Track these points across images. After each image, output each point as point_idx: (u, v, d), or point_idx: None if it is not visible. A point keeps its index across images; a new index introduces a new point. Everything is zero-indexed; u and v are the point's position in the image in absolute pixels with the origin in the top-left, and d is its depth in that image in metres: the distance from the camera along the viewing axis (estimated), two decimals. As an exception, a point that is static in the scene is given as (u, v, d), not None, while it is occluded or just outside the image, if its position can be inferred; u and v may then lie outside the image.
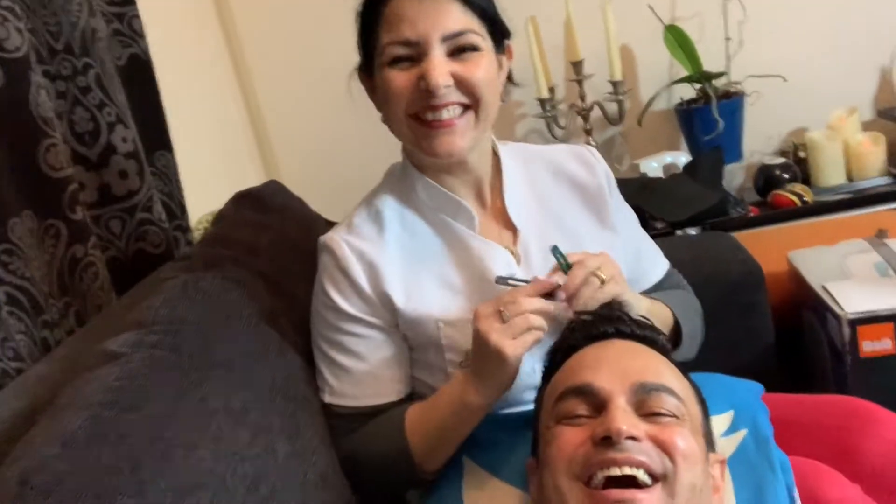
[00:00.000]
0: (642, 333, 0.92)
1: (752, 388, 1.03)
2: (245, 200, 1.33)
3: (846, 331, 1.30)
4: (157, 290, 1.01)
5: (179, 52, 1.84)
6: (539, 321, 0.90)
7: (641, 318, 0.96)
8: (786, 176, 1.97)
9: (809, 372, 1.54)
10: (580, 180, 1.13)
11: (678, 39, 2.05)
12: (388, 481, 1.03)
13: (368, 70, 1.03)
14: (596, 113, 2.13)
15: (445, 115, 0.97)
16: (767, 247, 1.76)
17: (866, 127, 2.09)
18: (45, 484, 0.69)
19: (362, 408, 1.04)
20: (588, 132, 2.11)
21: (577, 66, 2.06)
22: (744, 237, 1.80)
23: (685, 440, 0.79)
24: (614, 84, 2.02)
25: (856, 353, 1.30)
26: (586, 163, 1.14)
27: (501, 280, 0.97)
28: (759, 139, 2.15)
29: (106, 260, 1.28)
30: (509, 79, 1.08)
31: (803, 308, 1.54)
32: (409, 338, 1.06)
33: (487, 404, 0.95)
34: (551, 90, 2.07)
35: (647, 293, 1.14)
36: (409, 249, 1.05)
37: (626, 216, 1.18)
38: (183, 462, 0.78)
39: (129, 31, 1.41)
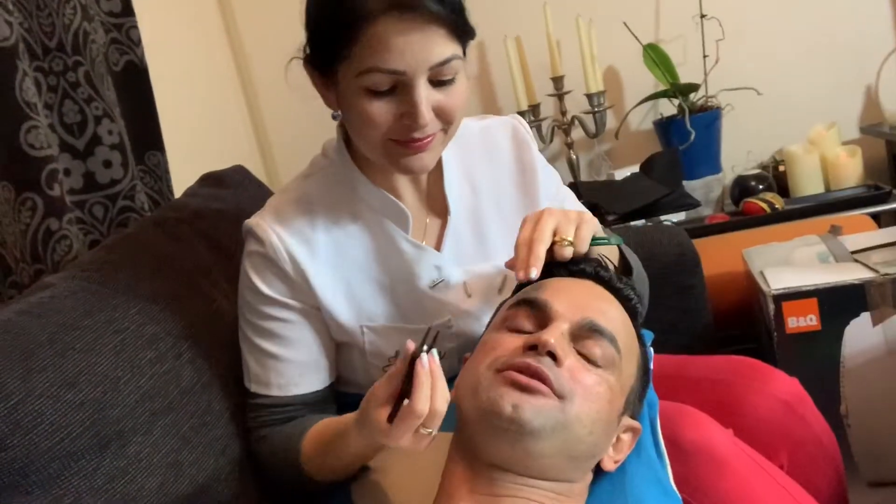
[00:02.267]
0: (618, 286, 0.92)
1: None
2: (209, 179, 1.44)
3: (772, 307, 1.33)
4: (103, 243, 1.10)
5: (181, 61, 1.99)
6: (431, 428, 0.80)
7: (624, 277, 0.96)
8: (760, 186, 2.01)
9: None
10: (515, 159, 1.12)
11: (657, 58, 2.13)
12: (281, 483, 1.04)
13: (322, 67, 0.98)
14: (579, 128, 2.21)
15: (421, 136, 0.95)
16: (733, 249, 1.80)
17: (849, 144, 2.11)
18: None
19: (284, 398, 1.04)
20: (570, 146, 2.19)
21: (557, 81, 2.15)
22: (709, 241, 1.85)
23: (596, 380, 0.80)
24: (589, 97, 2.10)
25: (782, 330, 1.33)
26: (519, 139, 1.13)
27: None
28: (741, 154, 2.21)
29: (88, 243, 1.39)
30: None
31: (754, 300, 1.57)
32: (334, 335, 1.06)
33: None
34: (533, 107, 2.16)
35: None
36: (340, 247, 1.04)
37: (548, 178, 1.16)
38: (76, 361, 0.84)
39: (126, 39, 1.55)
